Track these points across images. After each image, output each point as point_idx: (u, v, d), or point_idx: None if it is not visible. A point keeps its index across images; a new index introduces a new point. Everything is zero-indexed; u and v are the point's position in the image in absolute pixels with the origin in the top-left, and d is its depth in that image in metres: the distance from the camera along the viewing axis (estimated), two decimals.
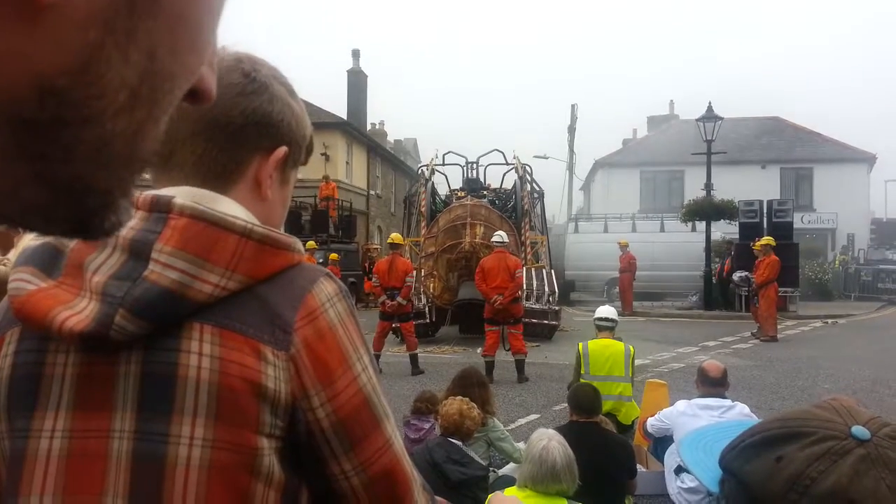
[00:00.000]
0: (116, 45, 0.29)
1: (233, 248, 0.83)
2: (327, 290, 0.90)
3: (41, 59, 0.27)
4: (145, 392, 0.82)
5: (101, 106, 0.30)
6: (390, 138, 43.65)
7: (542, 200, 17.22)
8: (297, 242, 0.91)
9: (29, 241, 0.90)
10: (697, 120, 19.89)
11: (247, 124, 0.93)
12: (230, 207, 0.89)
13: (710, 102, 19.51)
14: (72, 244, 0.85)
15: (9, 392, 0.84)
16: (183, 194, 0.87)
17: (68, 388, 0.83)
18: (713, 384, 5.00)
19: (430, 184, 16.20)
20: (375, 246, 26.80)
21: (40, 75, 0.27)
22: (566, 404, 5.02)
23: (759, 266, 14.04)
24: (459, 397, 4.44)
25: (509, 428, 6.44)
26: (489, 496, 1.33)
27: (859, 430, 0.72)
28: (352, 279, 20.61)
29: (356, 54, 33.36)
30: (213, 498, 0.80)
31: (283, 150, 0.97)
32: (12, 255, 3.55)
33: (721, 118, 19.46)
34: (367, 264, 22.19)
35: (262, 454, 0.82)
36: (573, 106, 35.81)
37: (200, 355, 0.82)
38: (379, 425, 0.90)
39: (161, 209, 0.84)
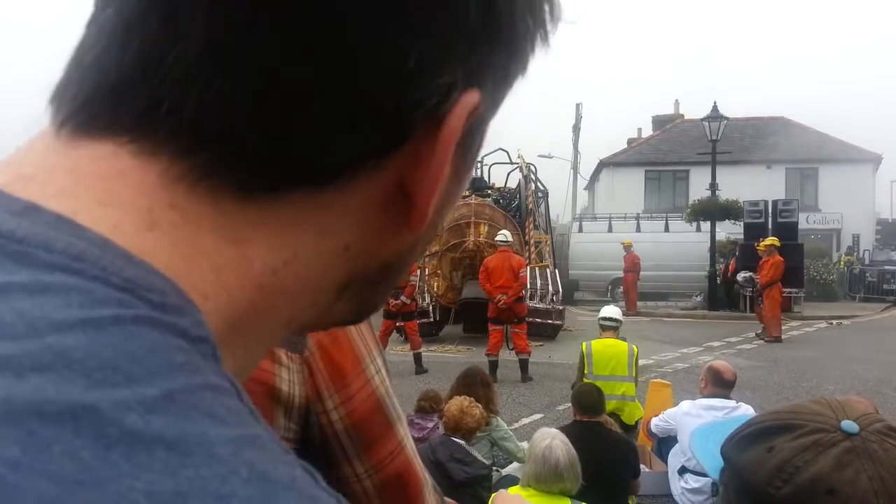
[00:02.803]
0: (432, 229, 0.41)
1: None
2: None
3: (394, 250, 0.40)
4: None
5: (409, 263, 0.44)
6: None
7: (547, 200, 17.23)
8: None
9: None
10: (702, 119, 19.84)
11: None
12: None
13: (714, 102, 19.46)
14: None
15: None
16: None
17: None
18: (726, 386, 4.99)
19: None
20: None
21: (388, 257, 0.40)
22: (570, 404, 5.02)
23: (764, 266, 14.01)
24: (462, 396, 4.44)
25: (513, 427, 6.44)
26: (493, 495, 1.33)
27: (848, 425, 0.74)
28: None
29: None
30: None
31: None
32: None
33: (726, 118, 19.41)
34: None
35: None
36: (578, 105, 35.81)
37: None
38: (391, 428, 0.90)
39: None
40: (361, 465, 0.87)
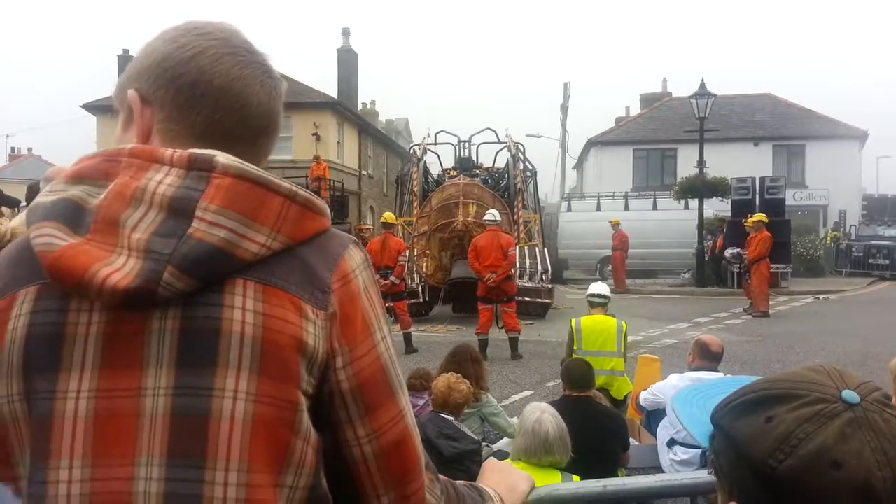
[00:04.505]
0: None
1: (278, 209, 0.85)
2: (357, 258, 0.92)
3: None
4: (186, 347, 0.81)
5: None
6: (382, 118, 43.37)
7: (535, 179, 17.23)
8: (328, 209, 0.94)
9: (41, 196, 0.87)
10: (690, 97, 19.84)
11: (279, 128, 1.01)
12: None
13: (702, 79, 19.47)
14: (96, 200, 0.83)
15: (25, 353, 0.82)
16: (221, 154, 0.86)
17: (93, 347, 0.81)
18: (713, 358, 5.03)
19: (422, 163, 16.16)
20: (368, 226, 26.74)
21: None
22: (559, 380, 5.04)
23: (751, 242, 14.09)
24: (450, 373, 4.45)
25: (503, 404, 6.47)
26: (484, 463, 1.33)
27: (849, 395, 0.73)
28: None
29: (346, 32, 33.06)
30: (256, 452, 0.80)
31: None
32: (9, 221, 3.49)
33: (714, 95, 19.42)
34: None
35: (301, 409, 0.83)
36: (566, 84, 35.73)
37: (244, 310, 0.82)
38: (394, 395, 0.91)
39: (202, 167, 0.84)
40: (363, 427, 0.88)
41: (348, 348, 0.87)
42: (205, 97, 0.94)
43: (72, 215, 0.82)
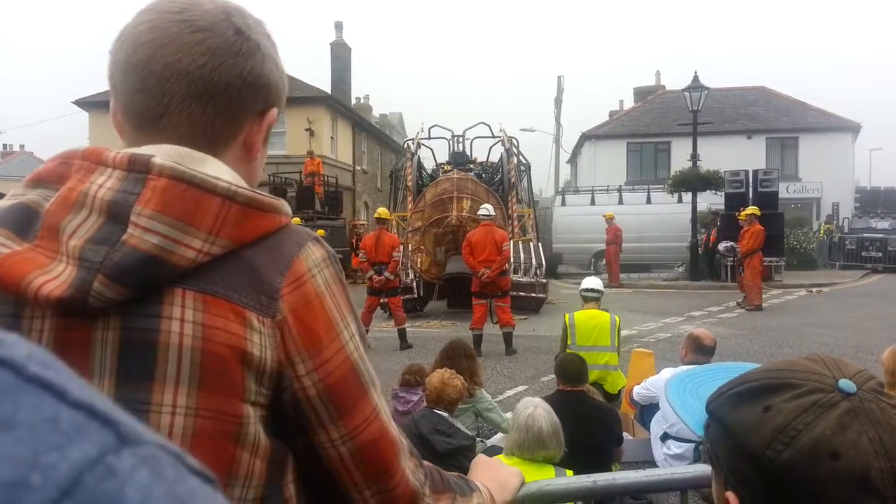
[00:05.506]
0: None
1: (216, 211, 0.80)
2: (315, 256, 0.88)
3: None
4: (124, 359, 0.79)
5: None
6: (375, 113, 43.29)
7: (529, 173, 17.22)
8: (284, 204, 0.88)
9: (3, 200, 0.85)
10: (683, 90, 19.83)
11: (244, 87, 0.89)
12: (214, 168, 0.85)
13: (695, 72, 19.47)
14: (47, 205, 0.81)
15: None
16: (163, 153, 0.82)
17: None
18: (706, 352, 5.05)
19: (416, 158, 16.12)
20: (362, 222, 26.69)
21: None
22: (554, 375, 5.05)
23: (745, 236, 14.12)
24: (444, 368, 4.45)
25: (497, 399, 6.48)
26: (474, 460, 1.33)
27: (846, 384, 0.73)
28: (339, 255, 20.49)
29: (339, 26, 32.94)
30: None
31: (274, 112, 0.95)
32: None
33: (707, 88, 19.42)
34: (354, 240, 22.13)
35: (248, 422, 0.81)
36: (559, 78, 35.67)
37: (182, 321, 0.79)
38: (366, 393, 0.89)
39: (139, 169, 0.80)
40: (336, 430, 0.86)
41: (308, 355, 0.84)
42: (123, 77, 0.88)
43: (24, 221, 0.81)
